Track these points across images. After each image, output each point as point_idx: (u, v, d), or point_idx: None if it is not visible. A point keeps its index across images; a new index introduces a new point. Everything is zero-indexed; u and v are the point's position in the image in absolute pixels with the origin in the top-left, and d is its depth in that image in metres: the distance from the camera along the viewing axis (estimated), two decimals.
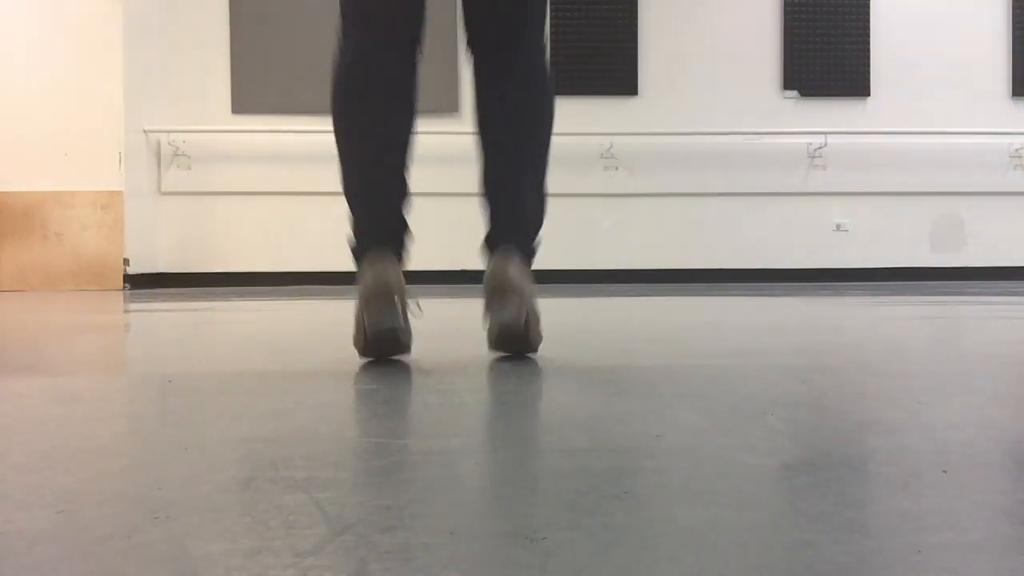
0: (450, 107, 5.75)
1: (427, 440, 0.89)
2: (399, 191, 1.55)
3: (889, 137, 6.06)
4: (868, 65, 6.10)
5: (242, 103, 5.88)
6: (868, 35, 6.09)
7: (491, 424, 1.02)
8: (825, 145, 6.03)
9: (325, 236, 5.51)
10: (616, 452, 0.81)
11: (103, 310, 3.35)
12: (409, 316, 1.46)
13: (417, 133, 1.59)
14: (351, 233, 1.54)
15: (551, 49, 5.82)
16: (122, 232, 5.41)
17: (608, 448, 0.83)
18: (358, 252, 1.50)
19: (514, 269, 1.45)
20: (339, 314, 2.83)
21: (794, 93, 6.08)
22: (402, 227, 1.55)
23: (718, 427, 0.92)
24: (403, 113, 1.55)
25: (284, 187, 5.88)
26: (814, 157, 6.08)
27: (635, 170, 6.03)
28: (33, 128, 5.35)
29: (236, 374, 1.40)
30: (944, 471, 0.73)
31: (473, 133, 1.65)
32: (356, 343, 1.50)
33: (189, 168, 5.86)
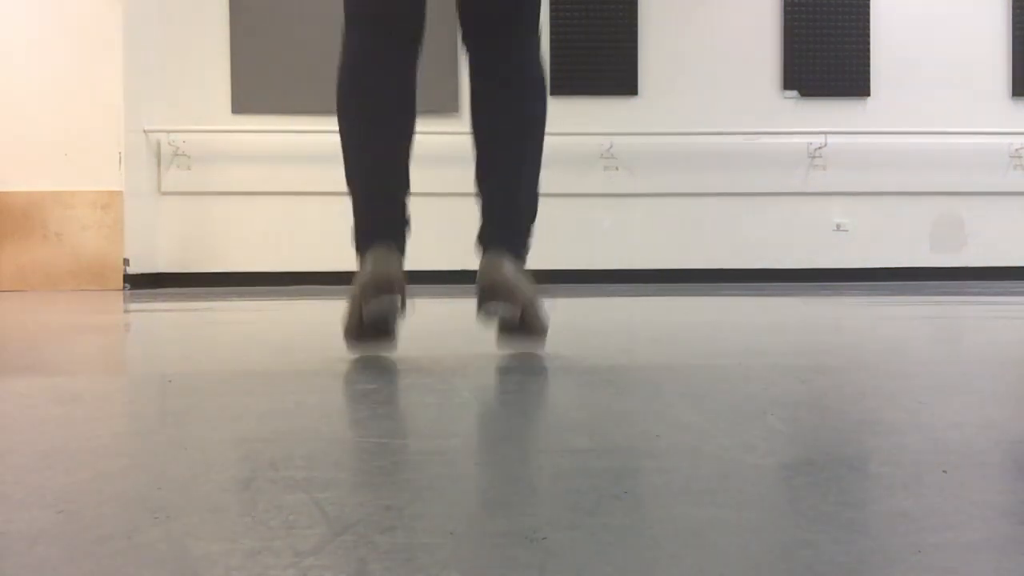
0: (450, 107, 5.75)
1: (427, 440, 0.89)
2: (401, 185, 1.57)
3: (889, 137, 6.05)
4: (868, 65, 6.10)
5: (242, 103, 5.87)
6: (868, 35, 6.09)
7: (491, 424, 1.02)
8: (825, 145, 6.02)
9: (325, 236, 5.51)
10: (616, 452, 0.81)
11: (103, 310, 3.35)
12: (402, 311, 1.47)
13: (417, 132, 1.60)
14: (353, 226, 1.56)
15: (551, 49, 5.83)
16: (122, 232, 5.41)
17: (608, 448, 0.83)
18: (361, 244, 1.52)
19: (505, 267, 1.47)
20: (339, 314, 2.83)
21: (794, 93, 6.08)
22: (403, 221, 1.57)
23: (718, 427, 0.92)
24: (405, 109, 1.58)
25: (284, 187, 5.88)
26: (814, 157, 6.08)
27: (635, 170, 6.02)
28: (33, 128, 5.34)
29: (236, 374, 1.40)
30: (944, 471, 0.73)
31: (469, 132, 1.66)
32: (347, 328, 1.51)
33: (189, 168, 5.86)
